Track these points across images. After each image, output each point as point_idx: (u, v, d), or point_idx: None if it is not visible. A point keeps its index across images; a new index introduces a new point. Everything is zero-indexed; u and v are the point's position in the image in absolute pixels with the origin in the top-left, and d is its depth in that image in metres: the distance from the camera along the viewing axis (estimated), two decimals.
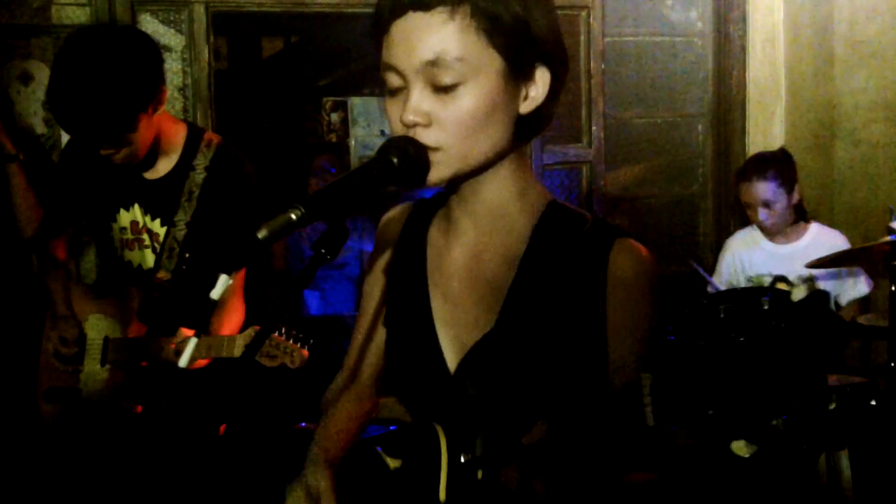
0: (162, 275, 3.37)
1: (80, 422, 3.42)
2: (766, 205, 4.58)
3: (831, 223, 4.92)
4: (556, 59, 1.72)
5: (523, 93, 1.69)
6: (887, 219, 4.35)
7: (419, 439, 1.71)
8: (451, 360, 1.77)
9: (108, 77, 3.01)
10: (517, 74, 1.67)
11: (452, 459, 1.64)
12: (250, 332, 3.13)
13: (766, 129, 5.52)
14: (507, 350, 1.71)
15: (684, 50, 5.68)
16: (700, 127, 5.74)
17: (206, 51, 4.79)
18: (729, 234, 5.22)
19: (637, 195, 5.64)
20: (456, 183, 1.74)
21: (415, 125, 1.63)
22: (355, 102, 8.06)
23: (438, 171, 1.66)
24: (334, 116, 8.06)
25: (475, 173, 1.71)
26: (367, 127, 8.06)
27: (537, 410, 1.68)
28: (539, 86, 1.70)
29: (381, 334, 1.96)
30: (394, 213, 2.00)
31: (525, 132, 1.74)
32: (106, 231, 3.45)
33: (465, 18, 1.61)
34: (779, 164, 4.63)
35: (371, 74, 7.92)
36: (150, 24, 4.66)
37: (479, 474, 1.65)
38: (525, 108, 1.70)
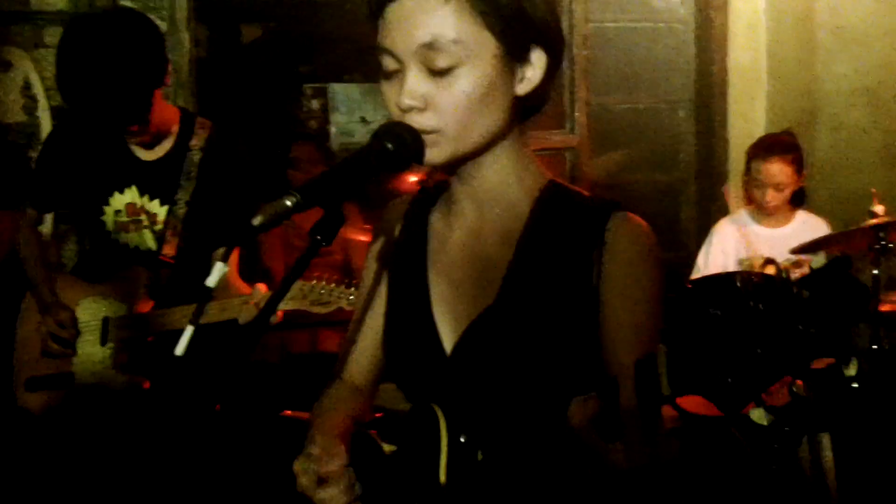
0: (167, 251, 3.39)
1: (74, 406, 3.41)
2: (778, 187, 4.61)
3: (812, 208, 4.95)
4: (551, 40, 1.71)
5: (519, 74, 1.69)
6: (869, 203, 4.37)
7: (417, 422, 1.71)
8: (448, 340, 1.77)
9: (130, 59, 3.09)
10: (513, 56, 1.66)
11: (452, 441, 1.64)
12: (296, 285, 3.12)
13: (748, 115, 5.54)
14: (505, 327, 1.71)
15: (666, 36, 5.69)
16: (682, 113, 5.76)
17: (188, 38, 4.77)
18: (711, 219, 5.23)
19: (620, 181, 5.64)
20: (454, 166, 1.73)
21: (411, 109, 1.63)
22: (335, 89, 8.01)
23: (435, 152, 1.65)
24: (314, 103, 8.02)
25: (473, 156, 1.71)
26: (347, 114, 8.03)
27: (537, 386, 1.68)
28: (535, 67, 1.70)
29: (376, 332, 1.93)
30: (394, 206, 1.99)
31: (523, 113, 1.74)
32: (96, 215, 3.45)
33: (461, 1, 1.60)
34: (797, 148, 4.68)
35: (351, 61, 7.89)
36: None
37: (479, 455, 1.65)
38: (521, 89, 1.70)
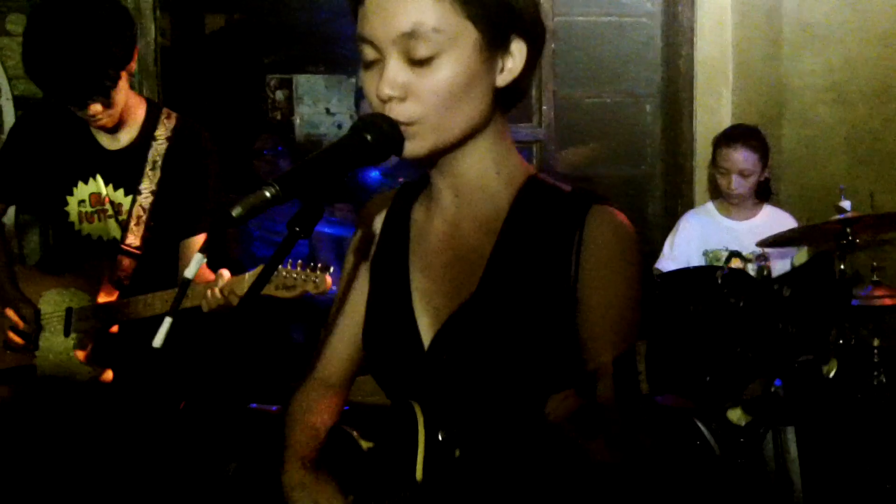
0: (131, 241, 3.35)
1: (37, 397, 3.38)
2: (743, 174, 4.65)
3: (778, 203, 4.97)
4: (532, 29, 1.71)
5: (500, 65, 1.68)
6: (835, 199, 4.40)
7: (396, 418, 1.69)
8: (427, 334, 1.76)
9: (97, 31, 3.07)
10: (494, 46, 1.65)
11: (430, 437, 1.63)
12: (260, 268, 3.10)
13: (714, 110, 5.55)
14: (483, 321, 1.70)
15: (633, 30, 5.70)
16: (648, 107, 5.76)
17: (153, 27, 4.73)
18: (677, 214, 5.25)
19: (587, 175, 5.64)
20: (435, 157, 1.72)
21: (391, 99, 1.61)
22: (300, 80, 8.00)
23: (415, 145, 1.64)
24: (279, 94, 7.99)
25: (453, 147, 1.70)
26: (312, 105, 8.01)
27: (515, 380, 1.66)
28: (516, 58, 1.69)
29: (354, 328, 1.92)
30: (376, 201, 1.98)
31: (502, 104, 1.73)
32: (59, 206, 3.42)
33: None
34: (762, 138, 4.73)
35: (316, 52, 7.85)
36: None
37: (457, 452, 1.63)
38: (502, 80, 1.69)
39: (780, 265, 4.65)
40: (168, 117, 3.42)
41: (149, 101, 3.50)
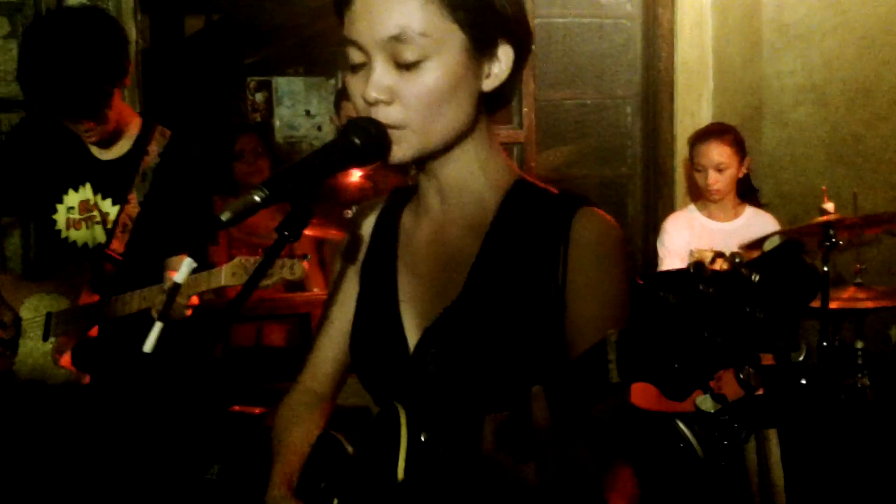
0: (115, 246, 3.37)
1: (14, 400, 3.38)
2: (719, 168, 4.66)
3: (758, 204, 4.97)
4: (519, 35, 1.71)
5: (486, 70, 1.68)
6: (817, 200, 4.40)
7: (382, 420, 1.69)
8: (412, 336, 1.76)
9: (93, 51, 3.10)
10: (480, 51, 1.65)
11: (412, 438, 1.62)
12: (237, 261, 3.09)
13: (694, 111, 5.56)
14: (467, 325, 1.70)
15: (613, 32, 5.70)
16: (629, 109, 5.76)
17: (134, 30, 4.69)
18: (657, 215, 5.25)
19: (567, 176, 5.64)
20: (421, 162, 1.72)
21: (377, 102, 1.60)
22: (279, 82, 8.02)
23: (401, 150, 1.64)
24: (258, 96, 8.00)
25: (439, 152, 1.70)
26: (291, 107, 8.03)
27: (500, 383, 1.65)
28: (502, 63, 1.69)
29: (342, 335, 1.92)
30: (366, 206, 1.98)
31: (488, 108, 1.74)
32: (48, 213, 3.45)
33: None
34: (735, 132, 4.77)
35: (296, 54, 7.85)
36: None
37: (439, 453, 1.63)
38: (488, 85, 1.69)
39: None
40: (162, 134, 3.45)
41: (143, 117, 3.51)
